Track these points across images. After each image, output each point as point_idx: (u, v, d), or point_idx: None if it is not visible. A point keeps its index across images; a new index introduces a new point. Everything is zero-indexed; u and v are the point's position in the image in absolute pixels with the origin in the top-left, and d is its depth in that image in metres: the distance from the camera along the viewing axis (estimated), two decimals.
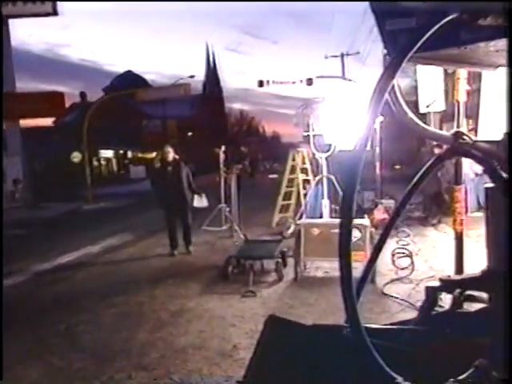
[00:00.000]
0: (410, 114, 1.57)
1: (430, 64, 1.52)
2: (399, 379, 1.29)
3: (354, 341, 1.31)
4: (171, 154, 9.11)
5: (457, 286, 1.48)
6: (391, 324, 1.81)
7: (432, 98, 6.51)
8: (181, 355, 4.58)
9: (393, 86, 1.57)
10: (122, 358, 4.59)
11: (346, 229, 1.26)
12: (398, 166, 33.72)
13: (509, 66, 1.20)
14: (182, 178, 9.02)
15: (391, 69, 1.18)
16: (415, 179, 1.63)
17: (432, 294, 1.54)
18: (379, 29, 1.33)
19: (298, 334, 1.73)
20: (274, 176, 34.14)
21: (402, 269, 7.05)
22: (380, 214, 10.98)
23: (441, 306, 1.59)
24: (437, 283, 1.56)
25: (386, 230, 1.79)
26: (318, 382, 1.50)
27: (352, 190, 1.24)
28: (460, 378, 1.30)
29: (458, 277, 1.49)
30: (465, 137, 1.48)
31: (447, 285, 1.49)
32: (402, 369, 1.45)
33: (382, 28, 1.31)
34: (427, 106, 6.67)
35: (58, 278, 8.06)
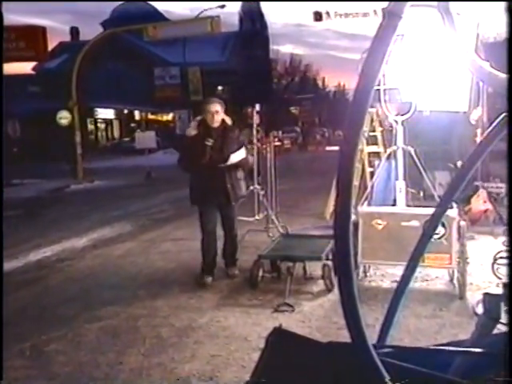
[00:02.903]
0: (473, 55, 1.55)
1: None
2: (387, 378, 1.34)
3: (360, 359, 1.33)
4: (219, 116, 7.64)
5: None
6: (439, 345, 1.82)
7: None
8: None
9: (448, 12, 1.56)
10: None
11: (343, 215, 1.27)
12: None
13: (509, 65, 1.24)
14: (233, 156, 7.65)
15: None
16: (477, 147, 1.62)
17: (492, 305, 1.53)
18: None
19: (310, 354, 1.76)
20: (334, 148, 33.89)
21: None
22: (480, 204, 10.77)
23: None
24: (499, 291, 1.55)
25: (433, 221, 1.79)
26: None
27: (348, 171, 1.25)
28: None
29: None
30: None
31: None
32: None
33: None
34: None
35: (29, 280, 8.34)
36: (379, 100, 8.96)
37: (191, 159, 7.65)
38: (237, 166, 7.76)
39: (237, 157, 7.67)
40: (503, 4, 1.38)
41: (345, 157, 1.26)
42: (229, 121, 7.80)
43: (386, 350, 1.67)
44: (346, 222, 1.29)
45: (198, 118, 7.92)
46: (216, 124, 7.61)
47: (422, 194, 11.40)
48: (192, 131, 7.73)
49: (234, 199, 7.75)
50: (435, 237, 6.54)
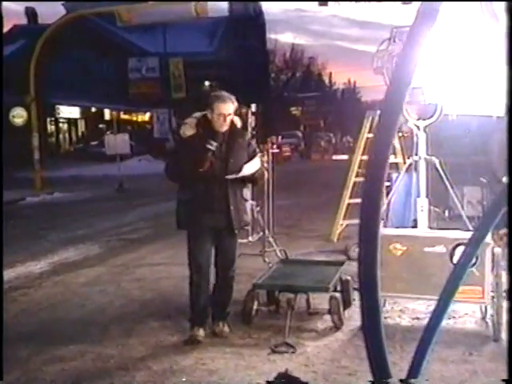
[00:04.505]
0: None
1: None
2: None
3: None
4: (229, 118, 6.93)
5: None
6: None
7: None
8: None
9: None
10: None
11: (369, 239, 1.28)
12: None
13: (509, 66, 1.30)
14: (247, 167, 6.95)
15: None
16: None
17: None
18: None
19: None
20: (343, 157, 34.06)
21: None
22: None
23: None
24: None
25: (470, 249, 1.80)
26: None
27: (378, 180, 1.27)
28: None
29: None
30: None
31: None
32: None
33: None
34: None
35: None
36: None
37: (184, 167, 6.82)
38: (246, 181, 7.10)
39: (251, 168, 7.02)
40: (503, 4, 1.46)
41: (373, 170, 1.28)
42: (238, 122, 7.15)
43: None
44: (372, 245, 1.30)
45: (197, 114, 7.12)
46: (223, 127, 6.89)
47: (447, 213, 11.45)
48: (188, 130, 6.97)
49: (237, 226, 7.05)
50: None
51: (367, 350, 1.36)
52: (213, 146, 6.67)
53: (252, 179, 7.18)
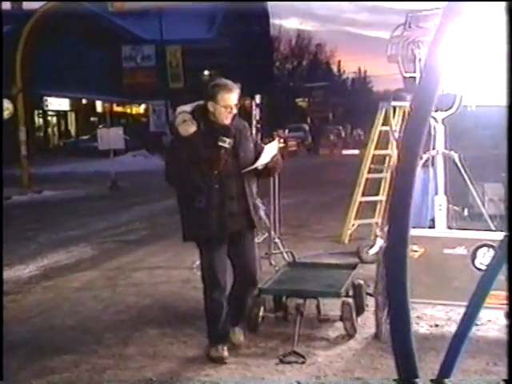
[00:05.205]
0: None
1: None
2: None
3: None
4: (234, 109, 6.57)
5: None
6: None
7: None
8: None
9: None
10: None
11: (398, 236, 1.29)
12: None
13: (509, 66, 1.34)
14: (266, 152, 6.63)
15: None
16: None
17: None
18: None
19: None
20: (353, 152, 34.02)
21: None
22: None
23: None
24: None
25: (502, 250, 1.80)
26: None
27: (409, 177, 1.27)
28: None
29: None
30: None
31: None
32: None
33: None
34: None
35: None
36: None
37: (192, 170, 6.36)
38: (260, 172, 6.69)
39: (269, 154, 6.62)
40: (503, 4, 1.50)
41: (404, 167, 1.28)
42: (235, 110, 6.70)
43: None
44: (402, 242, 1.31)
45: (185, 107, 6.68)
46: (226, 120, 6.48)
47: (467, 212, 11.43)
48: (190, 128, 6.45)
49: (259, 226, 7.12)
50: (484, 268, 6.54)
51: (394, 352, 1.36)
52: (226, 142, 6.30)
53: (267, 169, 6.72)
